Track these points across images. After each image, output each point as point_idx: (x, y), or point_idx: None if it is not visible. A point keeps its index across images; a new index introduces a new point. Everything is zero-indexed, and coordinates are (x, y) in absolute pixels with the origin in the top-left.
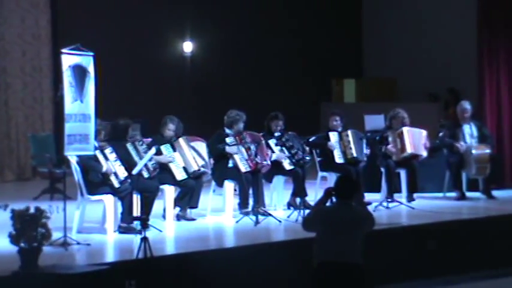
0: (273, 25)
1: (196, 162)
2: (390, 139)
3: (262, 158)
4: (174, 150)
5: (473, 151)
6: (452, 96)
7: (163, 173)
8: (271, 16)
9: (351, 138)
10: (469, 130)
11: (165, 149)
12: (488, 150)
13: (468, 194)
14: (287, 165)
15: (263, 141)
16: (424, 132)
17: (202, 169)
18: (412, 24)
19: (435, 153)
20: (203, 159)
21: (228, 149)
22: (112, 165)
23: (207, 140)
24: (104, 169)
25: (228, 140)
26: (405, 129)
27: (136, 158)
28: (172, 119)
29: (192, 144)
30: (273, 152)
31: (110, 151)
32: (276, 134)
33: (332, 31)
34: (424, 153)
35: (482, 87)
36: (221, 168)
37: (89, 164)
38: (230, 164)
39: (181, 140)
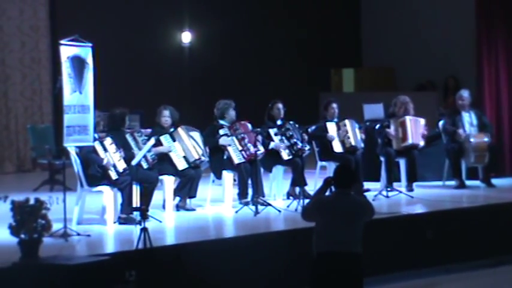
0: (272, 15)
1: (196, 151)
2: (392, 127)
3: (254, 147)
4: (174, 140)
5: (472, 139)
6: (452, 85)
7: (163, 163)
8: (269, 6)
9: (348, 128)
10: (469, 118)
11: (165, 139)
12: (486, 139)
13: (468, 182)
14: (285, 155)
15: (252, 130)
16: (422, 121)
17: (202, 158)
18: (410, 14)
19: (434, 142)
20: (201, 148)
21: (221, 141)
22: (111, 156)
23: (204, 131)
24: (105, 162)
25: (221, 131)
26: (408, 118)
27: (135, 148)
28: (165, 107)
29: (191, 133)
30: (272, 140)
31: (109, 142)
32: (278, 123)
33: (331, 21)
34: (422, 143)
35: (481, 76)
36: (218, 160)
37: (89, 158)
38: (225, 156)
39: (180, 130)
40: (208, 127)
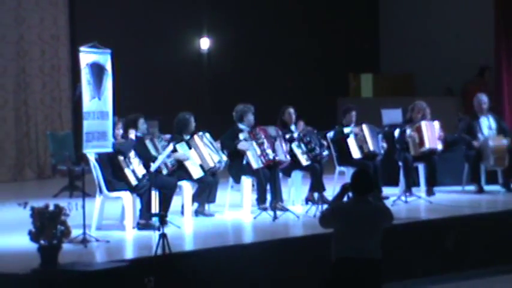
0: (290, 21)
1: (212, 159)
2: (408, 133)
3: (282, 153)
4: (190, 148)
5: (491, 142)
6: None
7: (182, 169)
8: (287, 12)
9: (366, 133)
10: (487, 122)
11: (181, 147)
12: (505, 141)
13: (487, 187)
14: (304, 160)
15: (281, 136)
16: (437, 124)
17: (218, 165)
18: (428, 19)
19: (453, 147)
20: (218, 154)
21: (239, 145)
22: (131, 161)
23: (223, 134)
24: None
25: (241, 136)
26: (423, 124)
27: (154, 154)
28: (189, 113)
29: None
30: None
31: None
32: (292, 128)
33: (349, 26)
34: (440, 146)
35: (500, 81)
36: (237, 165)
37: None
38: (245, 161)
39: (196, 138)
40: (228, 130)
